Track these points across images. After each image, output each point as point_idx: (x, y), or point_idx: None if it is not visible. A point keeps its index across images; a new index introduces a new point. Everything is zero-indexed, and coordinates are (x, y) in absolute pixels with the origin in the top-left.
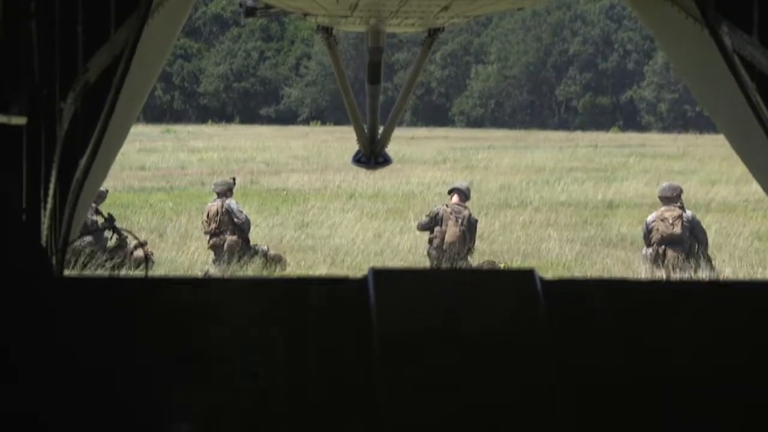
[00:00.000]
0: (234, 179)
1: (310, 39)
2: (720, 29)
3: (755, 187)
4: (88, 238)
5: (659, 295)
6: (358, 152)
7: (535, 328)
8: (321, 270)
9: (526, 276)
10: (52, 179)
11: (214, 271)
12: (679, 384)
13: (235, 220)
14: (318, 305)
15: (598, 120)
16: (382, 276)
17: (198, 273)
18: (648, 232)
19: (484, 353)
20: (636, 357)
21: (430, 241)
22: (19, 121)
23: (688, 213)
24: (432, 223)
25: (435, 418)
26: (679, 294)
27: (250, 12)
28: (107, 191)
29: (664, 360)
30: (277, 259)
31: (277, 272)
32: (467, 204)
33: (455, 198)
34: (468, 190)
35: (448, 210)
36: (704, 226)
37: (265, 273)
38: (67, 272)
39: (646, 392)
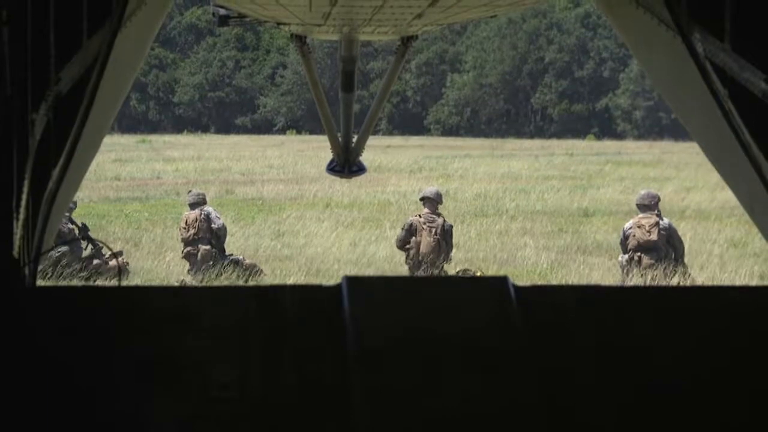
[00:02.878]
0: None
1: (285, 48)
2: (692, 36)
3: (730, 193)
4: (64, 248)
5: (632, 300)
6: (332, 161)
7: (509, 334)
8: (297, 279)
9: (499, 283)
10: (25, 190)
11: (191, 280)
12: (653, 388)
13: (213, 226)
14: (292, 313)
15: (573, 128)
16: (355, 283)
17: (174, 282)
18: (625, 238)
19: (458, 359)
20: (609, 362)
21: (407, 252)
22: None
23: (665, 221)
24: (408, 235)
25: (409, 424)
26: (651, 299)
27: (223, 21)
28: (76, 202)
29: (638, 365)
30: (252, 269)
31: (252, 281)
32: (440, 209)
33: (427, 208)
34: (438, 195)
35: (422, 220)
36: (680, 233)
37: (240, 282)
38: (41, 282)
39: (619, 396)
